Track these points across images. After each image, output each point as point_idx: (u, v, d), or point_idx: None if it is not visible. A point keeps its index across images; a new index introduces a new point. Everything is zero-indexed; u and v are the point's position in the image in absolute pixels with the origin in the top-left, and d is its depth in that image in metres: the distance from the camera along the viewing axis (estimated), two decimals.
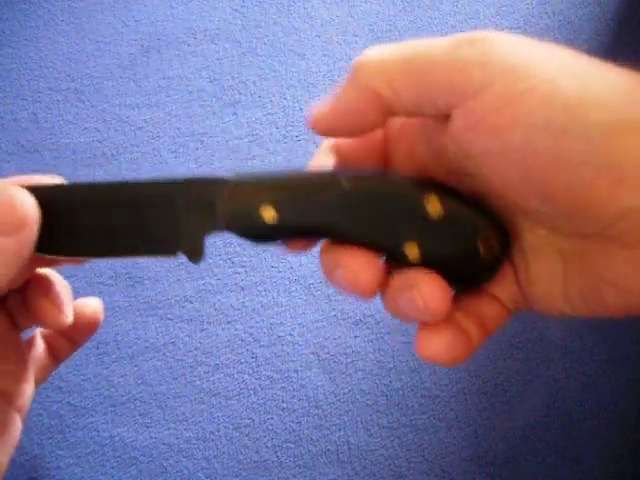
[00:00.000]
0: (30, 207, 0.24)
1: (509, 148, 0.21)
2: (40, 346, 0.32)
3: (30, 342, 0.31)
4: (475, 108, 0.21)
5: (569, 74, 0.20)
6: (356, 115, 0.24)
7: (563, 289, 0.22)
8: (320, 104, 0.24)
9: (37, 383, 0.32)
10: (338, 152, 0.27)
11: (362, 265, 0.23)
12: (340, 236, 0.24)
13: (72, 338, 0.32)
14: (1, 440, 0.28)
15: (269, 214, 0.23)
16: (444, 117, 0.22)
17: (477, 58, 0.21)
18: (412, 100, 0.23)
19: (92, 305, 0.32)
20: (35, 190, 0.25)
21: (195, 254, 0.26)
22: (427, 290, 0.23)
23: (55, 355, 0.32)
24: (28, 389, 0.30)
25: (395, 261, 0.24)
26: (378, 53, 0.23)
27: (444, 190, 0.23)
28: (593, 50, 0.56)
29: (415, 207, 0.23)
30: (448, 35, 0.22)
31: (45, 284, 0.28)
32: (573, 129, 0.19)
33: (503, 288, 0.25)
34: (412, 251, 0.23)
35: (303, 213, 0.23)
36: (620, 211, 0.19)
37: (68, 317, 0.28)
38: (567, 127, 0.19)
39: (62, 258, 0.26)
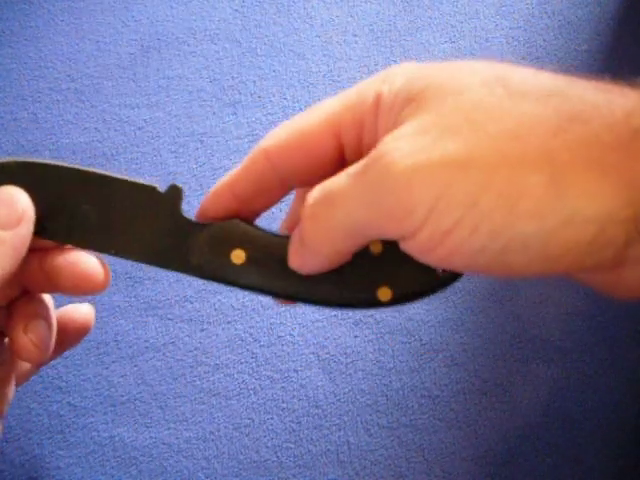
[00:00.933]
0: (27, 204, 0.26)
1: (459, 268, 0.22)
2: None
3: None
4: (412, 246, 0.22)
5: (490, 187, 0.19)
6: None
7: None
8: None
9: (16, 386, 0.31)
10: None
11: None
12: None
13: (60, 343, 0.32)
14: None
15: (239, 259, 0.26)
16: None
17: (395, 205, 0.20)
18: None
19: (83, 311, 0.32)
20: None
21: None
22: None
23: None
24: (9, 393, 0.30)
25: None
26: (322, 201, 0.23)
27: (395, 273, 0.25)
28: (593, 50, 0.56)
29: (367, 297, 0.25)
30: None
31: (30, 313, 0.28)
32: (510, 248, 0.20)
33: None
34: None
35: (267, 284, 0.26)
36: (587, 268, 0.20)
37: (43, 356, 0.28)
38: (503, 249, 0.20)
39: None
